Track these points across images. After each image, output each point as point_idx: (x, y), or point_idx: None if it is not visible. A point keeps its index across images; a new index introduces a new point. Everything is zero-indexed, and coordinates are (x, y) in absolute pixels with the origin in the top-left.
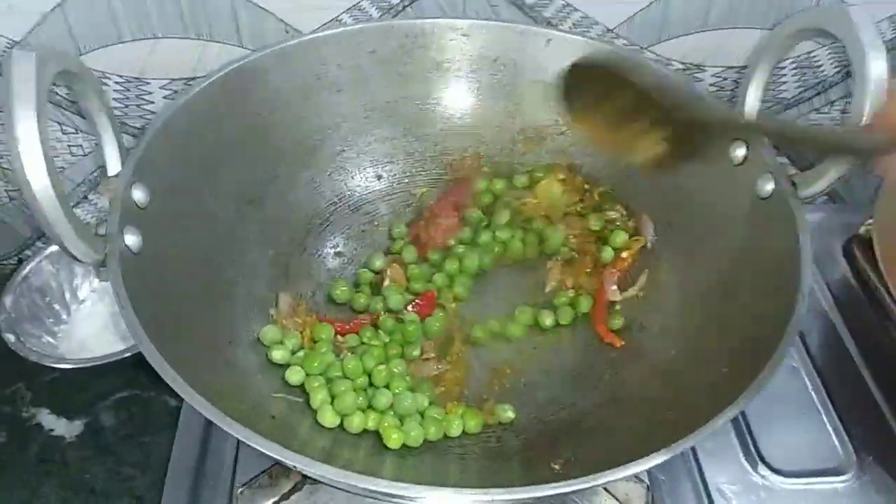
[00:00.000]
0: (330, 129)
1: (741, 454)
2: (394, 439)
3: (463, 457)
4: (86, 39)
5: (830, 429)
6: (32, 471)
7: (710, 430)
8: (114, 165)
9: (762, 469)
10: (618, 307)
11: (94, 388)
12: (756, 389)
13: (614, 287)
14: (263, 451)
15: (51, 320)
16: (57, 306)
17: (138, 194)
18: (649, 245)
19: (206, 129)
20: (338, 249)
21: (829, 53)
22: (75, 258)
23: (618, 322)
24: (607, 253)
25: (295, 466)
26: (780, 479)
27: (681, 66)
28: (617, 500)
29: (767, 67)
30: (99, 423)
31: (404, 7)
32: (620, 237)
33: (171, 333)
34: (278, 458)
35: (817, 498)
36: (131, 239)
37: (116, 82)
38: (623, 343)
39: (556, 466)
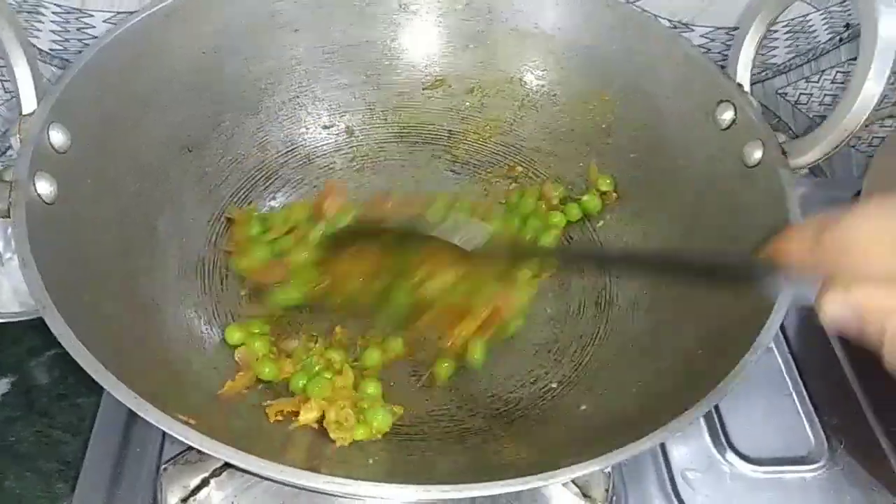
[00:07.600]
0: (283, 72)
1: (709, 439)
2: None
3: (411, 439)
4: None
5: (803, 415)
6: None
7: (678, 430)
8: (29, 102)
9: (730, 455)
10: None
11: (24, 343)
12: (723, 392)
13: None
14: (181, 438)
15: None
16: None
17: (57, 136)
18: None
19: (142, 66)
20: (285, 205)
21: (824, 18)
22: None
23: None
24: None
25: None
26: (749, 466)
27: (668, 24)
28: (576, 485)
29: (762, 27)
30: (29, 381)
31: None
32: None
33: (85, 295)
34: (195, 446)
35: (785, 487)
36: (44, 186)
37: (54, 13)
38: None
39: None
